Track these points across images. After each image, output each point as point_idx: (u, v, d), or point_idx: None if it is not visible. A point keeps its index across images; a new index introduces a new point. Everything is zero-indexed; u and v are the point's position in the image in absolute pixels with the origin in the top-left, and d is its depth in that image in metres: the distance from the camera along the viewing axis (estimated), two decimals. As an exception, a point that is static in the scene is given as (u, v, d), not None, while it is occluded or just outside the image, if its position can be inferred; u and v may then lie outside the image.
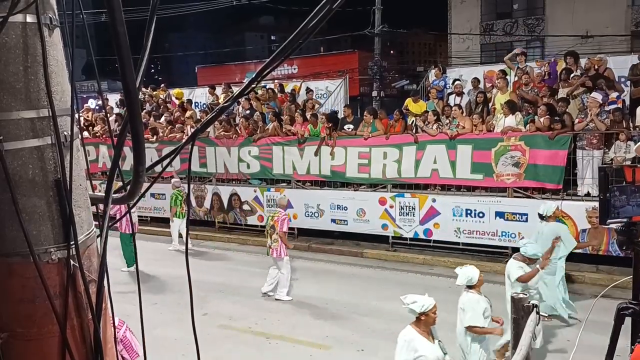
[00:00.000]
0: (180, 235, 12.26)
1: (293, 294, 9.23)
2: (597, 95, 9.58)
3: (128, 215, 10.18)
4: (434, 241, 11.10)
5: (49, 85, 1.42)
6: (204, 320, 7.85)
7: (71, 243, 1.46)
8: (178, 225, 12.17)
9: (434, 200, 10.87)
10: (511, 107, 10.14)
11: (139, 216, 14.02)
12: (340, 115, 12.80)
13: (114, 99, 16.99)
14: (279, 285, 8.96)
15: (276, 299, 8.85)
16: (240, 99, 12.58)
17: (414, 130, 11.23)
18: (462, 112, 10.79)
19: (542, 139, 9.72)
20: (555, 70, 11.48)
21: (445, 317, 7.94)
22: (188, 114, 14.33)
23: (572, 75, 10.58)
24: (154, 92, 16.34)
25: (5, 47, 1.36)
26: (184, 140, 1.90)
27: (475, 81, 11.89)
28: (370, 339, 7.27)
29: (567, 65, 10.92)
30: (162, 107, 15.50)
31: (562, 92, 10.48)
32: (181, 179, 13.93)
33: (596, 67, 10.71)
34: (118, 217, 10.13)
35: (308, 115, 12.56)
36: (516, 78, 11.45)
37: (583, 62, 11.10)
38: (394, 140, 11.20)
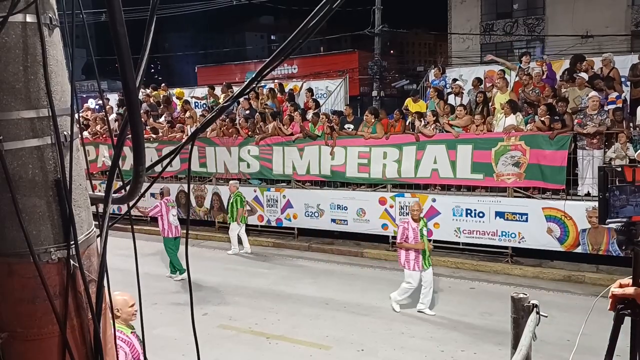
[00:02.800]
0: (240, 241, 11.97)
1: (292, 293, 9.23)
2: (596, 95, 9.60)
3: (167, 218, 10.06)
4: (434, 241, 11.07)
5: (49, 85, 1.42)
6: (204, 320, 7.85)
7: (71, 243, 1.46)
8: (238, 229, 11.88)
9: (434, 200, 10.87)
10: (512, 106, 10.14)
11: (137, 216, 14.04)
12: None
13: (114, 99, 16.99)
14: (396, 292, 8.37)
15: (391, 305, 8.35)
16: (240, 99, 12.58)
17: (411, 130, 11.23)
18: (466, 112, 10.78)
19: (543, 138, 9.72)
20: (552, 70, 11.49)
21: (444, 317, 7.97)
22: (188, 114, 14.34)
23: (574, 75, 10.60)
24: (154, 92, 16.33)
25: (5, 47, 1.36)
26: (183, 140, 1.90)
27: (476, 81, 11.90)
28: (370, 339, 7.27)
29: (578, 68, 10.89)
30: (162, 106, 15.51)
31: (563, 93, 10.48)
32: (181, 179, 13.96)
33: (593, 66, 10.72)
34: (160, 220, 10.08)
35: (309, 115, 12.56)
36: (517, 78, 11.46)
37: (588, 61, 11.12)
38: (394, 140, 11.20)
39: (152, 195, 14.24)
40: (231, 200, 11.89)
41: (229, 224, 12.09)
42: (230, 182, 12.16)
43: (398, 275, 10.20)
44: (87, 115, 15.95)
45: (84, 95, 21.51)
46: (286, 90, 14.74)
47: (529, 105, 10.64)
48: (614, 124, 9.33)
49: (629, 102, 10.40)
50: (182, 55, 45.56)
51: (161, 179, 12.59)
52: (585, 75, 10.55)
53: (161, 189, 10.90)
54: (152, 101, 15.90)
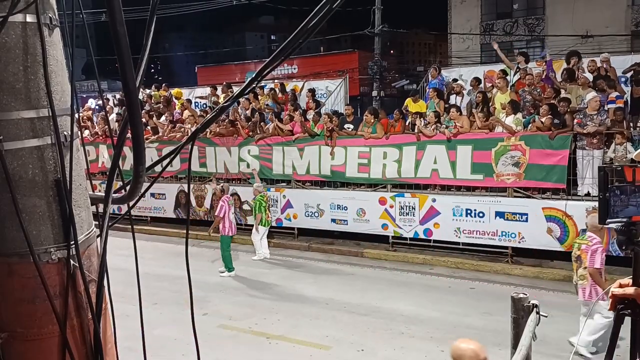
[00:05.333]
0: (268, 244, 11.66)
1: (292, 293, 9.22)
2: (596, 95, 9.61)
3: (228, 216, 9.93)
4: (434, 241, 11.10)
5: (49, 85, 1.42)
6: (204, 320, 7.85)
7: (71, 243, 1.46)
8: (263, 233, 11.48)
9: (434, 200, 10.87)
10: (514, 107, 10.14)
11: (137, 216, 14.04)
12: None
13: (114, 98, 16.98)
14: (583, 333, 6.36)
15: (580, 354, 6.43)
16: (240, 99, 12.57)
17: (411, 130, 11.23)
18: (460, 113, 10.78)
19: (543, 138, 9.72)
20: (553, 70, 11.49)
21: (444, 317, 7.97)
22: (187, 113, 14.34)
23: (575, 75, 10.60)
24: (154, 93, 16.33)
25: (5, 47, 1.36)
26: (184, 140, 1.90)
27: (475, 81, 11.88)
28: (370, 339, 7.27)
29: (571, 65, 10.91)
30: (162, 106, 15.51)
31: (563, 92, 10.48)
32: (181, 179, 13.97)
33: (600, 65, 10.72)
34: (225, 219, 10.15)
35: (310, 115, 12.54)
36: (517, 77, 11.45)
37: (585, 61, 11.12)
38: (394, 140, 11.20)
39: (152, 195, 14.29)
40: (254, 205, 11.57)
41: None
42: (254, 185, 11.75)
43: (398, 275, 10.22)
44: (88, 115, 15.94)
45: (84, 95, 21.51)
46: (287, 90, 14.73)
47: (530, 105, 10.63)
48: (614, 124, 9.33)
49: (629, 102, 10.40)
50: (182, 55, 45.61)
51: (161, 178, 12.59)
52: (590, 76, 10.55)
53: (222, 186, 10.95)
54: (152, 101, 15.90)
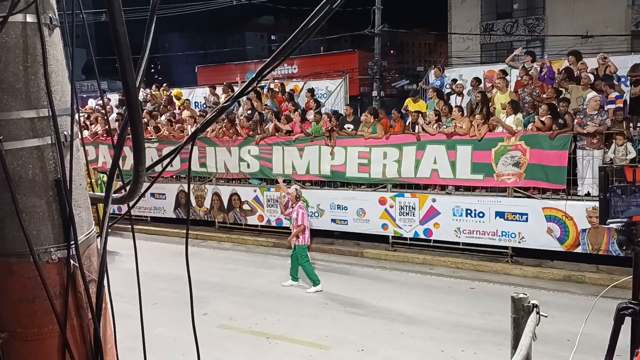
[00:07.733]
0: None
1: (292, 293, 9.23)
2: (596, 95, 9.61)
3: (308, 226, 9.15)
4: (434, 241, 11.09)
5: (49, 85, 1.42)
6: (204, 320, 7.85)
7: (71, 243, 1.46)
8: None
9: (434, 200, 10.87)
10: (514, 107, 10.15)
11: (137, 216, 14.04)
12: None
13: (114, 98, 16.99)
14: None
15: None
16: (241, 99, 12.56)
17: (411, 130, 11.23)
18: (462, 114, 10.77)
19: (543, 138, 9.72)
20: (552, 71, 11.49)
21: (444, 317, 7.98)
22: (187, 113, 14.33)
23: (574, 75, 10.60)
24: (154, 92, 16.33)
25: (5, 47, 1.36)
26: (184, 140, 1.90)
27: (475, 81, 11.88)
28: (370, 339, 7.27)
29: (570, 65, 10.92)
30: (162, 106, 15.51)
31: (563, 92, 10.48)
32: (181, 179, 13.96)
33: (601, 65, 10.73)
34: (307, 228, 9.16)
35: (310, 116, 12.54)
36: (518, 77, 11.45)
37: (586, 62, 11.12)
38: (394, 140, 11.20)
39: (152, 195, 14.29)
40: None
41: None
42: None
43: (398, 275, 10.22)
44: (90, 113, 15.94)
45: (84, 95, 21.51)
46: (287, 90, 14.73)
47: (529, 105, 10.63)
48: (614, 124, 9.34)
49: (629, 102, 10.40)
50: (182, 55, 45.63)
51: (161, 178, 12.57)
52: (591, 76, 10.55)
53: (296, 191, 9.78)
54: (155, 101, 15.89)
